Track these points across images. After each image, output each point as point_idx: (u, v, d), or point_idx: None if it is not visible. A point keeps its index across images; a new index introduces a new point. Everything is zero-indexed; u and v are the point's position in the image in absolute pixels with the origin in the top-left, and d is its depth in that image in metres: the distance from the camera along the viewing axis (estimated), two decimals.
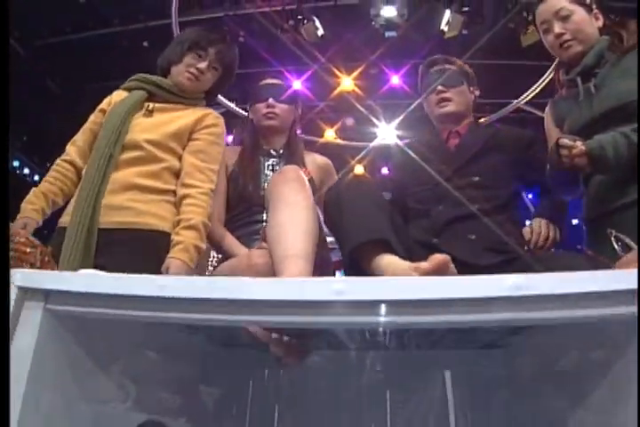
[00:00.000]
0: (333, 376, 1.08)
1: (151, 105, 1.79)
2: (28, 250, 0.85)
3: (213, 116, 1.83)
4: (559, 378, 0.74)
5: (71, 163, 1.76)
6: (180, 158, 1.73)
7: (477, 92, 2.00)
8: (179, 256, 1.53)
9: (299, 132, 2.12)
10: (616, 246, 1.13)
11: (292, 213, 1.22)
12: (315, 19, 4.97)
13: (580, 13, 1.66)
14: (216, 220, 1.79)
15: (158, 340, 0.83)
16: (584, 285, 0.48)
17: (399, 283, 0.48)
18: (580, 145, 1.43)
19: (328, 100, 5.81)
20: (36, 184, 1.80)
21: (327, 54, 5.19)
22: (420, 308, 0.47)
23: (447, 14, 4.79)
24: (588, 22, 1.67)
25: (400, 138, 1.84)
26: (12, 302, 0.56)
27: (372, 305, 0.47)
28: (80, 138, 1.79)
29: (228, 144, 2.14)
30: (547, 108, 1.83)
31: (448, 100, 1.89)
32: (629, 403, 0.51)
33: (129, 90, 1.84)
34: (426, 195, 1.72)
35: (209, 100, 1.95)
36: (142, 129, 1.73)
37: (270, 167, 1.91)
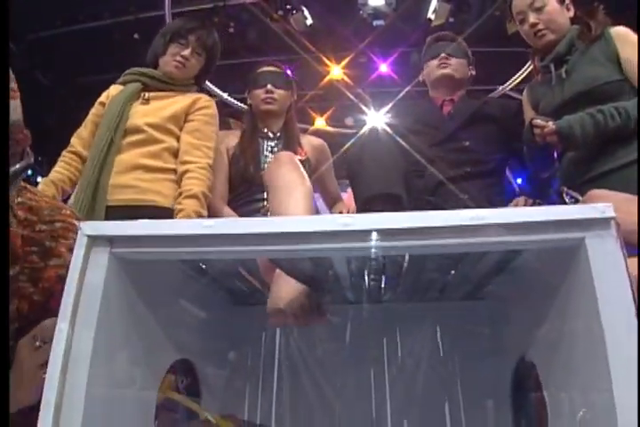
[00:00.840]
0: (337, 327, 1.24)
1: (147, 94, 1.95)
2: (74, 221, 0.99)
3: (205, 99, 1.99)
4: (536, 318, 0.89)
5: (76, 153, 1.92)
6: (177, 139, 1.89)
7: (473, 72, 2.17)
8: None
9: (294, 115, 2.27)
10: (567, 200, 1.31)
11: (289, 191, 1.33)
12: (303, 8, 5.04)
13: (552, 4, 1.81)
14: (219, 198, 1.95)
15: (193, 290, 0.98)
16: (530, 216, 0.64)
17: (390, 217, 0.64)
18: (551, 125, 1.59)
19: (317, 88, 5.87)
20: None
21: (316, 43, 5.26)
22: (405, 234, 0.63)
23: (434, 3, 4.85)
24: (560, 13, 1.82)
25: (389, 125, 1.98)
26: (81, 250, 0.70)
27: (369, 233, 0.63)
28: (83, 130, 1.95)
29: None
30: (524, 92, 1.99)
31: (449, 64, 2.06)
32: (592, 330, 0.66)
33: (124, 84, 2.00)
34: (420, 157, 1.86)
35: (199, 85, 2.12)
36: (142, 115, 1.89)
37: (269, 149, 2.05)
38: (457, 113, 2.00)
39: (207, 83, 5.39)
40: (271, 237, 0.64)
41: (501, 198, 1.87)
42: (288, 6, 5.12)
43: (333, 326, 1.24)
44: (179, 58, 1.97)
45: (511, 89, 5.19)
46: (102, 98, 2.00)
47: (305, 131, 6.42)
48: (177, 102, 1.94)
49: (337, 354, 1.27)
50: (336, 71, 5.65)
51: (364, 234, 0.63)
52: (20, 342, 0.86)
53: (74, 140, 1.94)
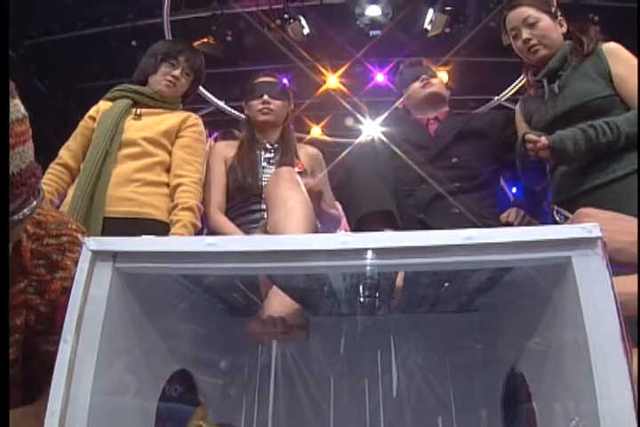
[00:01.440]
0: (331, 339, 1.26)
1: (139, 110, 2.04)
2: (80, 235, 1.01)
3: (194, 117, 2.11)
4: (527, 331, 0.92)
5: (64, 166, 1.99)
6: (169, 153, 1.98)
7: (449, 92, 2.22)
8: (180, 232, 1.78)
9: (292, 125, 2.31)
10: (557, 218, 1.35)
11: (288, 209, 1.36)
12: (301, 18, 5.08)
13: (545, 21, 1.85)
14: (217, 209, 1.99)
15: (191, 302, 1.01)
16: (520, 235, 0.67)
17: (386, 236, 0.67)
18: (544, 140, 1.63)
19: (314, 97, 5.89)
20: None
21: (313, 53, 5.29)
22: (400, 253, 0.66)
23: (430, 13, 4.90)
24: (553, 28, 1.85)
25: (384, 134, 2.03)
26: (85, 264, 0.73)
27: (366, 252, 0.66)
28: (72, 142, 2.03)
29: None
30: (517, 106, 2.02)
31: (432, 84, 2.10)
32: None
33: (113, 99, 2.09)
34: (410, 176, 1.90)
35: (184, 102, 2.23)
36: (137, 129, 1.97)
37: (267, 160, 2.08)
38: (443, 131, 2.04)
39: (203, 91, 5.46)
40: (271, 255, 0.67)
41: (493, 211, 1.90)
42: (285, 16, 5.15)
43: (328, 338, 1.27)
44: (169, 77, 2.08)
45: (507, 99, 5.22)
46: (92, 112, 2.08)
47: (301, 140, 6.44)
48: (169, 119, 2.04)
49: (331, 365, 1.29)
50: (332, 80, 5.68)
51: (361, 252, 0.66)
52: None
53: (63, 152, 2.01)
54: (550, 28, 1.84)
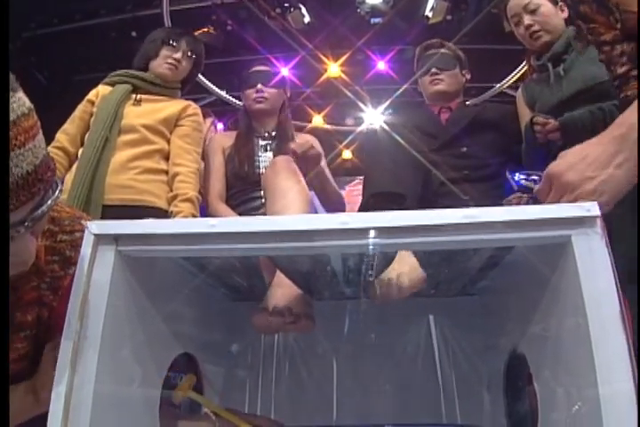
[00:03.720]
0: (334, 323, 1.27)
1: (139, 96, 2.04)
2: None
3: (194, 106, 2.11)
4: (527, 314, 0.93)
5: (62, 149, 1.97)
6: (167, 141, 1.99)
7: (468, 76, 2.19)
8: None
9: (289, 114, 2.31)
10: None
11: (286, 200, 1.35)
12: (301, 6, 5.05)
13: (546, 6, 1.84)
14: (217, 197, 2.00)
15: (193, 285, 1.01)
16: (519, 214, 0.67)
17: (385, 216, 0.67)
18: (553, 121, 1.63)
19: (315, 86, 5.87)
20: None
21: (314, 41, 5.27)
22: (400, 232, 0.67)
23: (431, 0, 4.88)
24: (554, 14, 1.85)
25: (386, 123, 2.02)
26: (88, 248, 0.73)
27: (366, 231, 0.66)
28: (69, 126, 2.01)
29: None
30: (518, 91, 2.01)
31: (441, 80, 2.08)
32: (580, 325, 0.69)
33: (112, 84, 2.08)
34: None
35: (184, 89, 2.22)
36: (136, 115, 1.97)
37: (264, 148, 2.09)
38: (455, 120, 2.04)
39: (205, 80, 5.45)
40: (272, 236, 0.67)
41: (500, 202, 1.90)
42: (286, 4, 5.12)
43: (331, 321, 1.27)
44: (171, 60, 2.08)
45: (509, 87, 5.20)
46: (91, 96, 2.07)
47: (302, 128, 6.44)
48: (169, 106, 2.04)
49: (333, 347, 1.30)
50: (334, 69, 5.66)
51: (361, 232, 0.66)
52: (48, 346, 0.89)
53: (60, 135, 1.99)
54: (551, 13, 1.84)
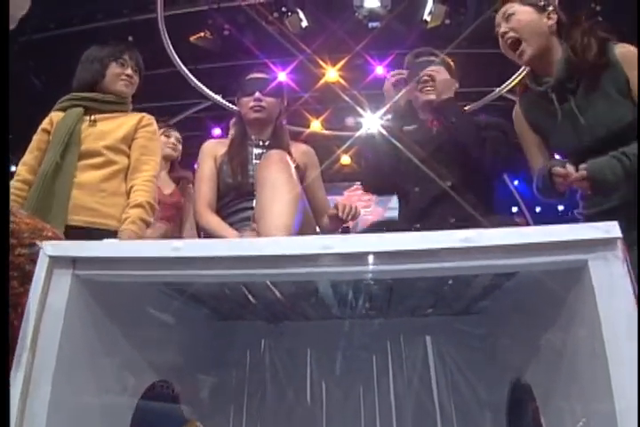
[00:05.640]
0: (323, 344, 1.18)
1: (92, 117, 2.02)
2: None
3: (147, 117, 2.11)
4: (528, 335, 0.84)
5: (24, 181, 1.96)
6: (128, 157, 2.00)
7: (457, 85, 2.07)
8: (129, 227, 1.81)
9: (284, 122, 2.23)
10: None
11: (274, 191, 1.36)
12: (298, 11, 5.00)
13: (524, 12, 1.68)
14: (207, 206, 1.92)
15: (171, 308, 0.93)
16: (526, 236, 0.58)
17: (373, 239, 0.58)
18: (574, 172, 1.50)
19: (313, 91, 5.83)
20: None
21: (311, 46, 5.22)
22: (389, 258, 0.57)
23: (430, 4, 4.83)
24: (535, 20, 1.67)
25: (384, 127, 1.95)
26: (43, 271, 0.65)
27: (352, 257, 0.57)
28: (28, 157, 2.01)
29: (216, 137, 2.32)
30: (517, 110, 1.81)
31: (428, 91, 1.99)
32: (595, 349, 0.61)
33: (64, 110, 2.06)
34: (405, 176, 1.83)
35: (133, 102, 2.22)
36: (96, 138, 1.98)
37: (258, 157, 2.00)
38: (441, 134, 1.95)
39: (201, 86, 5.40)
40: (245, 261, 0.59)
41: (490, 207, 1.82)
42: (283, 8, 5.08)
43: (321, 342, 1.19)
44: (124, 77, 2.08)
45: (508, 91, 5.15)
46: (45, 125, 2.05)
47: (300, 134, 6.39)
48: (125, 123, 2.04)
49: (324, 369, 1.21)
50: (332, 74, 5.62)
51: (346, 257, 0.58)
52: None
53: (20, 167, 1.99)
54: (530, 19, 1.67)
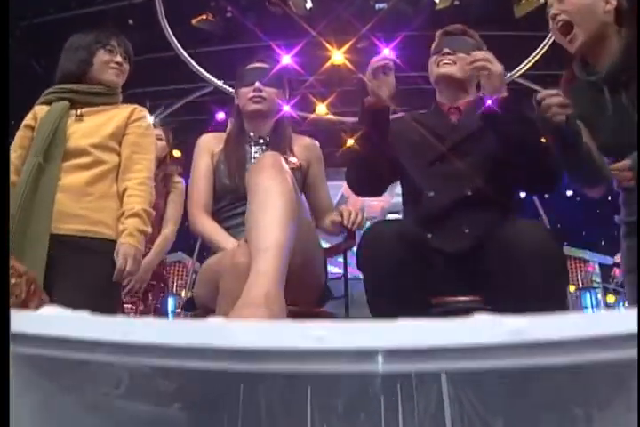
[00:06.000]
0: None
1: (79, 111, 1.85)
2: (14, 281, 0.81)
3: (139, 110, 1.93)
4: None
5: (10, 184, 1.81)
6: (119, 154, 1.84)
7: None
8: (127, 240, 1.67)
9: (286, 118, 2.07)
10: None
11: (265, 201, 1.25)
12: None
13: None
14: (202, 209, 1.80)
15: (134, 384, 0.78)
16: (593, 326, 0.43)
17: (386, 328, 0.43)
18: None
19: (318, 74, 5.72)
20: None
21: (317, 28, 5.09)
22: (408, 356, 0.43)
23: None
24: (592, 4, 1.51)
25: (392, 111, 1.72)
26: None
27: (355, 354, 0.42)
28: (12, 156, 1.82)
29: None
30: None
31: (450, 62, 1.72)
32: None
33: (49, 103, 1.88)
34: (421, 175, 1.66)
35: (123, 92, 2.03)
36: (83, 135, 1.80)
37: (256, 156, 1.86)
38: (463, 125, 1.70)
39: (201, 70, 5.27)
40: (210, 353, 0.45)
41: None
42: None
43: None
44: (113, 65, 1.89)
45: (520, 75, 5.00)
46: (29, 120, 1.87)
47: (305, 119, 6.26)
48: (114, 117, 1.87)
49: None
50: (337, 56, 5.51)
51: (344, 355, 0.43)
52: None
53: None
54: (584, 2, 1.50)
